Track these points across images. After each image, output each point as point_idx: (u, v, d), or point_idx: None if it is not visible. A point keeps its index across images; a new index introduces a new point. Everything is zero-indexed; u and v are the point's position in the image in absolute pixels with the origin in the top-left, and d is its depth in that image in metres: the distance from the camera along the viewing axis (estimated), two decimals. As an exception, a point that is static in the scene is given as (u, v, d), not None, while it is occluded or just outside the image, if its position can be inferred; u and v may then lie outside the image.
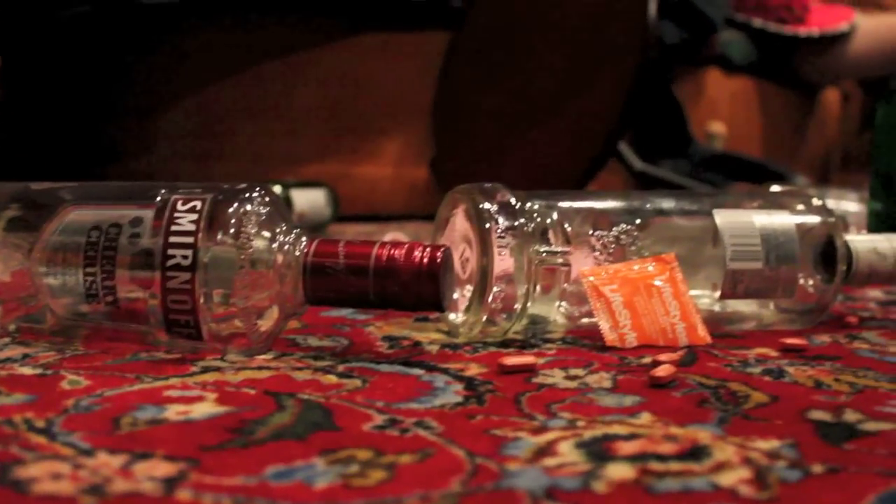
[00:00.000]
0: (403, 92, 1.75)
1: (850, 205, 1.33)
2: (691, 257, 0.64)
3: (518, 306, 0.58)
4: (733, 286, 0.64)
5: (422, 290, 0.51)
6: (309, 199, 1.32)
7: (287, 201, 1.28)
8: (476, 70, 1.70)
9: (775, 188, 1.29)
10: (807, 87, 2.79)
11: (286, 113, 1.67)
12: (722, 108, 2.46)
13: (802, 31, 2.57)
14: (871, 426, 0.42)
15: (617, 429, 0.41)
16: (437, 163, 1.74)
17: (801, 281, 0.67)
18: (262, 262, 0.53)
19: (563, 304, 0.61)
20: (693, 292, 0.62)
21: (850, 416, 0.44)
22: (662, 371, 0.50)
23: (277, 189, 1.27)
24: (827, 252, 0.68)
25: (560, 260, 0.60)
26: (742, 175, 2.10)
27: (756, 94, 2.59)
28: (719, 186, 2.13)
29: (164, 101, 1.67)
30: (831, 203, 1.34)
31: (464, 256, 0.61)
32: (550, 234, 0.60)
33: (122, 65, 1.70)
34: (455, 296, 0.60)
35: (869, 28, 2.63)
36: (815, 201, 0.70)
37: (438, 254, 0.52)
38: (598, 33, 1.50)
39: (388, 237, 1.04)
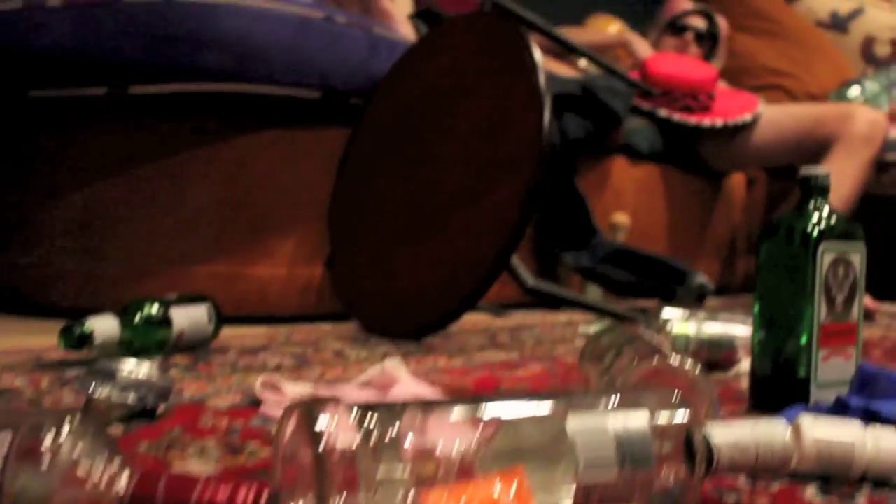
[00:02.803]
0: (300, 189, 1.72)
1: (738, 328, 1.32)
2: (543, 469, 0.62)
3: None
4: (587, 498, 0.62)
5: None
6: (190, 317, 1.28)
7: (166, 320, 1.24)
8: (371, 172, 1.68)
9: (665, 314, 1.27)
10: (712, 172, 2.82)
11: (177, 211, 1.63)
12: (627, 197, 2.47)
13: (706, 121, 2.61)
14: None
15: None
16: (333, 263, 1.71)
17: (662, 477, 0.65)
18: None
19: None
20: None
21: None
22: None
23: (155, 308, 1.23)
24: (689, 445, 0.67)
25: (400, 478, 0.57)
26: (643, 272, 2.10)
27: (661, 181, 2.61)
28: (620, 282, 2.14)
29: (49, 196, 1.63)
30: (720, 327, 1.34)
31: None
32: (389, 454, 0.58)
33: (6, 157, 1.65)
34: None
35: (773, 117, 2.67)
36: (675, 397, 0.68)
37: (263, 495, 0.49)
38: (492, 142, 1.49)
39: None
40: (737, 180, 2.96)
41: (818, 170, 1.13)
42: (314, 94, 1.67)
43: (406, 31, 2.04)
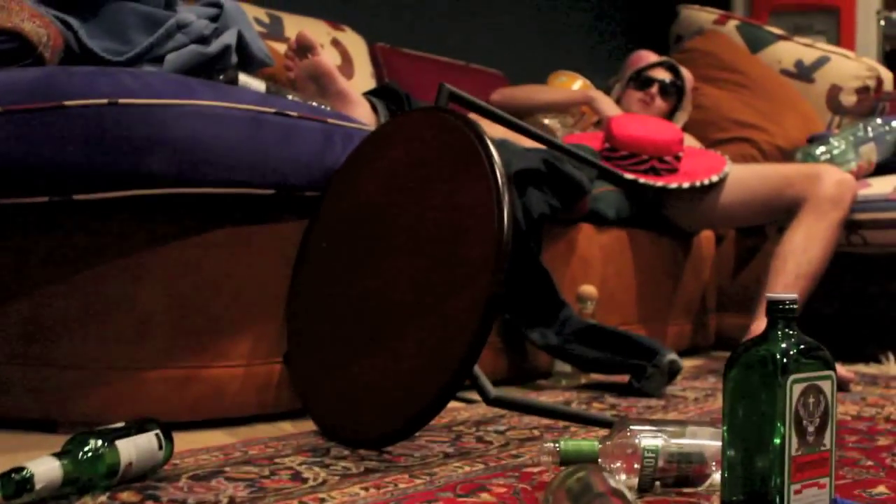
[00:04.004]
0: (256, 285, 1.67)
1: (708, 440, 1.28)
2: None
3: None
4: None
5: None
6: (138, 447, 1.22)
7: (113, 453, 1.18)
8: (328, 268, 1.63)
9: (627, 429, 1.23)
10: (681, 232, 2.79)
11: (127, 315, 1.57)
12: (594, 265, 2.43)
13: (673, 183, 2.58)
14: None
15: None
16: (291, 358, 1.66)
17: None
18: None
19: None
20: None
21: None
22: None
23: (100, 442, 1.18)
24: None
25: None
26: (613, 349, 2.06)
27: (629, 245, 2.57)
28: (589, 360, 2.09)
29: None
30: (689, 440, 1.29)
31: None
32: None
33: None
34: None
35: (740, 177, 2.65)
36: None
37: None
38: (451, 245, 1.45)
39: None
40: (706, 238, 2.93)
41: (786, 295, 1.09)
42: (268, 191, 1.62)
43: (363, 112, 2.00)
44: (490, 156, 1.43)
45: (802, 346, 1.07)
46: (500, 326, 2.13)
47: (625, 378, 2.08)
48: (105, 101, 1.47)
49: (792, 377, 1.05)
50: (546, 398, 1.97)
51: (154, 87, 1.51)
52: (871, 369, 2.54)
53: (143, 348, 1.58)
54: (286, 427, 1.65)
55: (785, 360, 1.05)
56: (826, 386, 1.08)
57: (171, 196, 1.54)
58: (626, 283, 2.56)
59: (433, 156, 1.52)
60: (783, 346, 1.07)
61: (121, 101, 1.47)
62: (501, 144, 2.16)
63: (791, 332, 1.08)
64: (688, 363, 2.68)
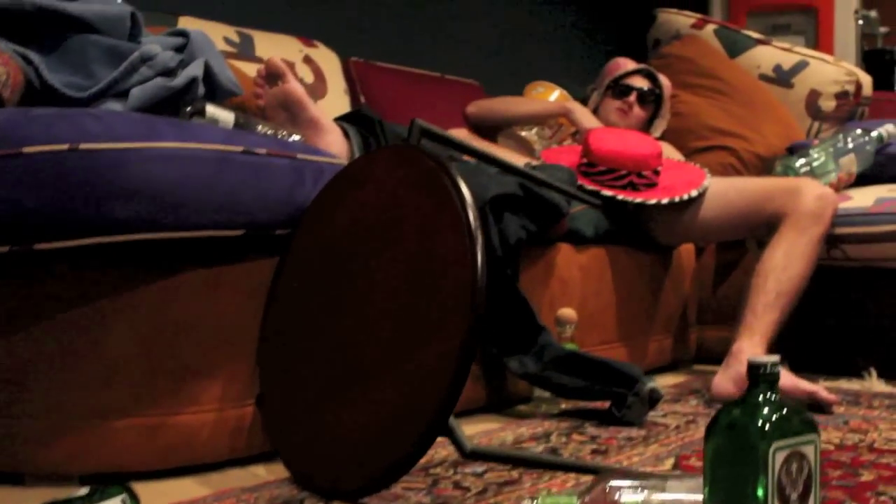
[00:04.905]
0: (227, 327, 1.63)
1: (689, 494, 1.25)
2: None
3: None
4: None
5: None
6: (103, 513, 1.19)
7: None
8: (299, 310, 1.60)
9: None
10: (661, 247, 2.77)
11: (94, 362, 1.53)
12: (574, 285, 2.40)
13: (652, 199, 2.55)
14: None
15: None
16: (263, 401, 1.63)
17: None
18: None
19: None
20: None
21: None
22: None
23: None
24: None
25: None
26: (593, 377, 2.03)
27: (608, 263, 2.54)
28: (569, 388, 2.06)
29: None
30: (671, 494, 1.26)
31: None
32: None
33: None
34: None
35: (719, 191, 2.62)
36: None
37: None
38: (423, 291, 1.41)
39: None
40: (686, 251, 2.90)
41: (767, 359, 1.05)
42: (237, 232, 1.58)
43: (335, 139, 1.96)
44: (463, 199, 1.39)
45: (784, 411, 1.04)
46: (479, 354, 2.09)
47: (605, 403, 2.05)
48: (66, 146, 1.42)
49: (774, 445, 1.02)
50: (525, 429, 1.93)
51: (117, 130, 1.47)
52: (853, 385, 2.51)
53: (112, 396, 1.54)
54: (259, 472, 1.62)
55: (766, 427, 1.02)
56: (809, 451, 1.05)
57: (138, 240, 1.50)
58: (605, 302, 2.53)
59: (405, 197, 1.49)
60: (764, 411, 1.03)
61: (82, 146, 1.43)
62: (478, 168, 2.12)
63: (772, 397, 1.05)
64: (669, 380, 2.66)
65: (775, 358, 1.05)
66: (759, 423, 1.02)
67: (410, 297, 1.44)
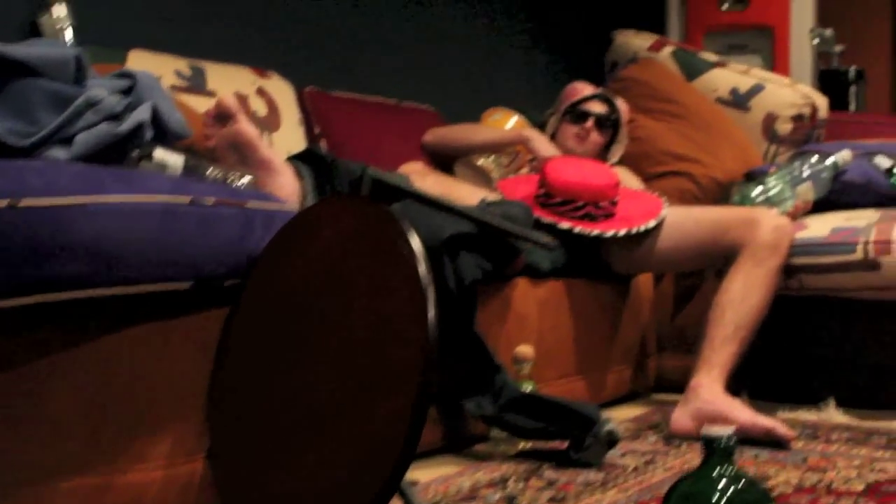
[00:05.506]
0: (176, 381, 1.60)
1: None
2: None
3: None
4: None
5: None
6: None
7: None
8: (251, 363, 1.57)
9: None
10: (619, 277, 2.75)
11: (40, 422, 1.49)
12: (531, 321, 2.38)
13: (609, 231, 2.54)
14: None
15: None
16: (214, 455, 1.59)
17: None
18: None
19: None
20: None
21: None
22: None
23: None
24: None
25: None
26: (550, 418, 2.01)
27: (566, 296, 2.53)
28: (526, 429, 2.05)
29: None
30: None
31: None
32: None
33: None
34: None
35: (677, 221, 2.62)
36: None
37: None
38: (375, 347, 1.39)
39: None
40: (644, 279, 2.89)
41: (722, 432, 1.04)
42: (184, 284, 1.55)
43: (287, 180, 1.93)
44: (413, 255, 1.37)
45: (740, 484, 1.02)
46: (436, 396, 2.06)
47: (563, 443, 2.03)
48: (5, 202, 1.38)
49: (730, 520, 1.00)
50: (482, 474, 1.91)
51: (59, 185, 1.43)
52: (811, 416, 2.51)
53: (56, 457, 1.50)
54: (209, 531, 1.58)
55: (722, 501, 1.00)
56: (766, 525, 1.04)
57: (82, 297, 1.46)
58: (563, 336, 2.51)
59: (355, 251, 1.46)
60: (720, 485, 1.02)
61: (23, 202, 1.38)
62: (433, 207, 2.09)
63: (728, 470, 1.03)
64: (627, 412, 2.65)
65: (730, 430, 1.03)
66: (716, 498, 1.00)
67: (363, 354, 1.41)
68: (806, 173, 2.76)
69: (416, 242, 1.38)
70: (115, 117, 1.74)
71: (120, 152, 1.73)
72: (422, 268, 1.35)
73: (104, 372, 1.53)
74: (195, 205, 1.55)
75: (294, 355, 1.50)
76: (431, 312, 1.33)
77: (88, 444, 1.52)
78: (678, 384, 2.42)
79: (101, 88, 1.75)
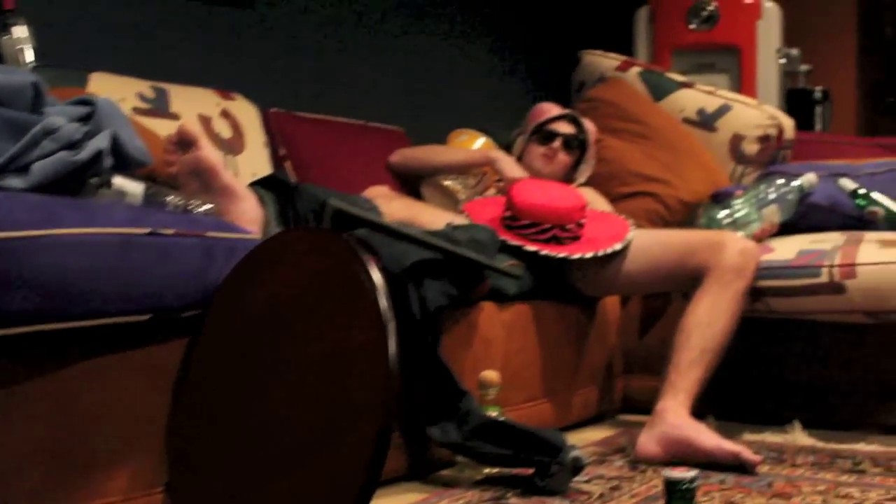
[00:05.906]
0: (134, 414, 1.58)
1: None
2: None
3: None
4: None
5: None
6: None
7: None
8: (212, 395, 1.55)
9: None
10: (585, 298, 2.75)
11: (-6, 457, 1.47)
12: (497, 345, 2.37)
13: (576, 253, 2.53)
14: None
15: None
16: (173, 488, 1.57)
17: None
18: None
19: None
20: None
21: None
22: None
23: None
24: None
25: None
26: (516, 445, 2.00)
27: (532, 319, 2.52)
28: (492, 456, 2.03)
29: None
30: None
31: None
32: None
33: None
34: None
35: (643, 245, 2.61)
36: None
37: None
38: (337, 381, 1.38)
39: None
40: (611, 301, 2.89)
41: (684, 475, 1.03)
42: (143, 317, 1.53)
43: (250, 206, 1.91)
44: (374, 288, 1.36)
45: (701, 528, 1.02)
46: (401, 422, 2.05)
47: (529, 469, 2.01)
48: (-42, 236, 1.36)
49: (690, 566, 0.99)
50: (448, 502, 1.90)
51: (13, 217, 1.41)
52: (777, 438, 2.51)
53: (11, 494, 1.47)
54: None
55: (682, 545, 0.99)
56: (726, 568, 1.03)
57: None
58: (530, 359, 2.50)
59: (316, 284, 1.45)
60: (680, 529, 1.01)
61: (-25, 235, 1.36)
62: (395, 238, 2.07)
63: (688, 513, 1.02)
64: (594, 434, 2.64)
65: (693, 473, 1.03)
66: (675, 544, 0.99)
67: (324, 387, 1.40)
68: (772, 196, 2.76)
69: (377, 277, 1.37)
70: (74, 145, 1.71)
71: (78, 181, 1.70)
72: (383, 303, 1.34)
73: (61, 407, 1.51)
74: (154, 235, 1.53)
75: (255, 388, 1.49)
76: (392, 349, 1.32)
77: (45, 480, 1.50)
78: (645, 405, 2.42)
79: (59, 116, 1.73)
